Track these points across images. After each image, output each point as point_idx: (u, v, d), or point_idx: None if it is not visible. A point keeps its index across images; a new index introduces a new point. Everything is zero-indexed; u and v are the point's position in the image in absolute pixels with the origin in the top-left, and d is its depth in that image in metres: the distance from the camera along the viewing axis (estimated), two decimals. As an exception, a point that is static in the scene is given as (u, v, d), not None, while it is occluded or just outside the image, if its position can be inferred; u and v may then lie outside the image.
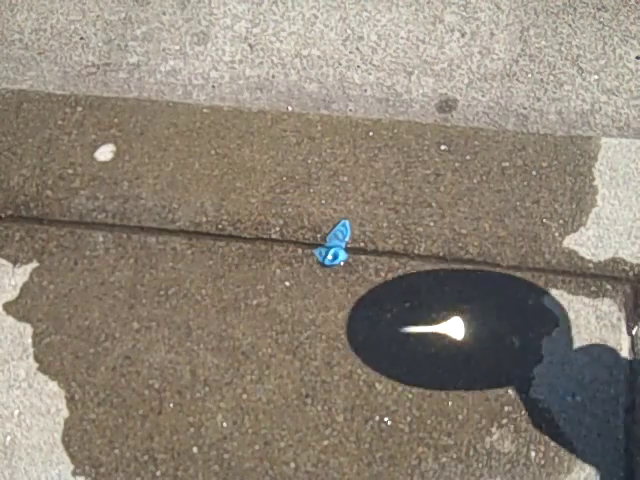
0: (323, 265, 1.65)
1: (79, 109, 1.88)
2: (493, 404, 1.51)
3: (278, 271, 1.65)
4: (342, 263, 1.64)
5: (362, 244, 1.66)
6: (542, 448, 1.48)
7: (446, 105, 1.99)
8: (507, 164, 1.75)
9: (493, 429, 1.50)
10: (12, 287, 1.66)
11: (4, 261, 1.69)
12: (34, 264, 1.68)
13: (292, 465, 1.49)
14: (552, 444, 1.48)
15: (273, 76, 2.07)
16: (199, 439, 1.52)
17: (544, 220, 1.67)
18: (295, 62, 2.08)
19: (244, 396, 1.55)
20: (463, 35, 2.09)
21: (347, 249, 1.65)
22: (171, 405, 1.54)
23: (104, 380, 1.57)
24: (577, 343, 1.55)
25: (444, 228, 1.67)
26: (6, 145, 1.83)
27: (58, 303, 1.64)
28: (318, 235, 1.67)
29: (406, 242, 1.66)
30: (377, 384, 1.54)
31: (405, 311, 1.60)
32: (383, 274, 1.63)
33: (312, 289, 1.63)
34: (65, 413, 1.55)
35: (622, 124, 1.93)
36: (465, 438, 1.49)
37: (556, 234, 1.66)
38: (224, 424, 1.52)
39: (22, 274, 1.68)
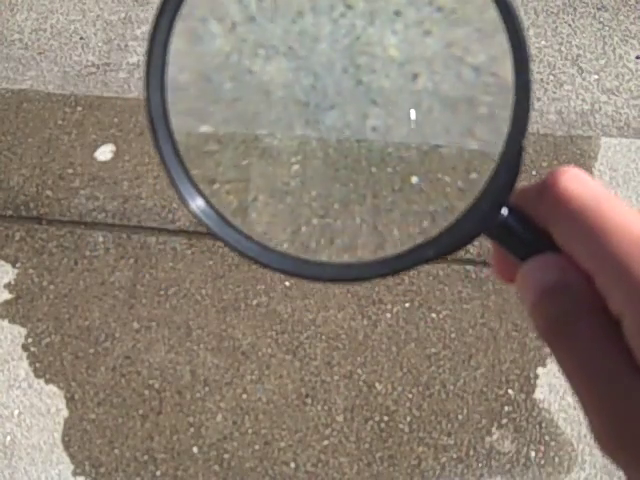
0: None
1: (79, 109, 1.88)
2: (493, 404, 1.51)
3: (278, 271, 1.65)
4: None
5: (362, 244, 1.66)
6: (542, 448, 1.48)
7: (446, 105, 1.99)
8: (507, 164, 1.75)
9: (493, 429, 1.50)
10: (12, 287, 1.66)
11: (4, 261, 1.69)
12: (34, 264, 1.68)
13: (292, 465, 1.49)
14: (552, 444, 1.48)
15: (273, 76, 2.07)
16: (199, 439, 1.52)
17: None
18: (295, 62, 2.08)
19: (244, 396, 1.55)
20: (463, 35, 2.09)
21: None
22: (171, 405, 1.54)
23: (104, 380, 1.57)
24: (577, 343, 1.55)
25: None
26: (6, 145, 1.83)
27: (58, 303, 1.64)
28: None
29: (406, 242, 1.66)
30: (377, 384, 1.54)
31: (405, 311, 1.60)
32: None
33: (312, 289, 1.63)
34: (65, 413, 1.55)
35: (622, 124, 1.93)
36: (465, 438, 1.49)
37: (556, 234, 1.66)
38: (224, 424, 1.52)
39: (22, 274, 1.68)
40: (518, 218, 0.31)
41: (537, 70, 2.03)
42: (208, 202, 0.34)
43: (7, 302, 1.65)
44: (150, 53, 0.32)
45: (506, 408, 1.51)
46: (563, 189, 0.29)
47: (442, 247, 0.31)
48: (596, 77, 2.01)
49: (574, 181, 0.29)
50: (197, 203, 0.33)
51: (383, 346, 1.58)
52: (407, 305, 1.60)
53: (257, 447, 1.51)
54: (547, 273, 0.29)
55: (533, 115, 1.97)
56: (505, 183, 0.31)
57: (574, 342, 0.27)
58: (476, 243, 1.67)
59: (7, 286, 1.66)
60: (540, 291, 0.29)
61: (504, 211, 0.31)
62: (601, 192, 0.29)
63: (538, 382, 1.53)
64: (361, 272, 0.32)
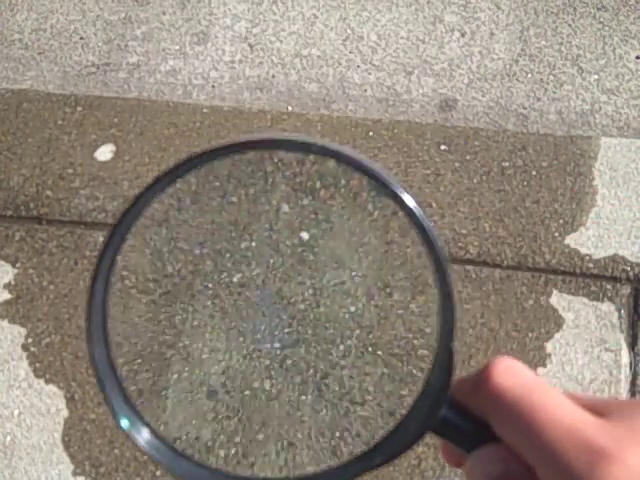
0: None
1: (79, 109, 1.88)
2: (493, 404, 1.51)
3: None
4: None
5: (362, 244, 1.66)
6: (542, 448, 1.48)
7: (446, 105, 1.99)
8: (507, 164, 1.75)
9: (493, 429, 1.50)
10: (12, 287, 1.66)
11: (4, 261, 1.69)
12: (34, 264, 1.68)
13: (292, 465, 1.49)
14: (552, 444, 1.48)
15: (273, 76, 2.07)
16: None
17: (544, 220, 1.67)
18: (295, 62, 2.08)
19: (244, 396, 1.55)
20: (463, 35, 2.09)
21: None
22: (171, 405, 1.54)
23: (104, 380, 1.57)
24: (577, 343, 1.56)
25: (444, 228, 1.67)
26: (6, 145, 1.83)
27: (58, 303, 1.64)
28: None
29: (406, 242, 1.66)
30: (377, 384, 1.54)
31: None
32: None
33: (312, 289, 1.63)
34: (65, 413, 1.55)
35: (622, 124, 1.93)
36: (465, 438, 1.49)
37: (556, 234, 1.66)
38: (224, 424, 1.52)
39: (22, 274, 1.68)
40: (458, 412, 0.31)
41: (537, 70, 2.03)
42: (155, 433, 0.33)
43: (7, 302, 1.65)
44: (89, 310, 0.34)
45: (506, 408, 1.51)
46: (496, 383, 0.30)
47: (387, 452, 0.32)
48: (596, 77, 2.01)
49: (506, 374, 0.30)
50: (144, 436, 0.33)
51: (383, 346, 1.57)
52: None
53: (257, 447, 1.51)
54: (490, 466, 0.29)
55: (533, 115, 1.97)
56: (441, 384, 0.31)
57: None
58: (475, 243, 1.67)
59: (7, 286, 1.66)
60: None
61: (444, 408, 0.31)
62: (533, 383, 0.29)
63: (538, 382, 1.53)
64: None
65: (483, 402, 0.30)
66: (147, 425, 0.33)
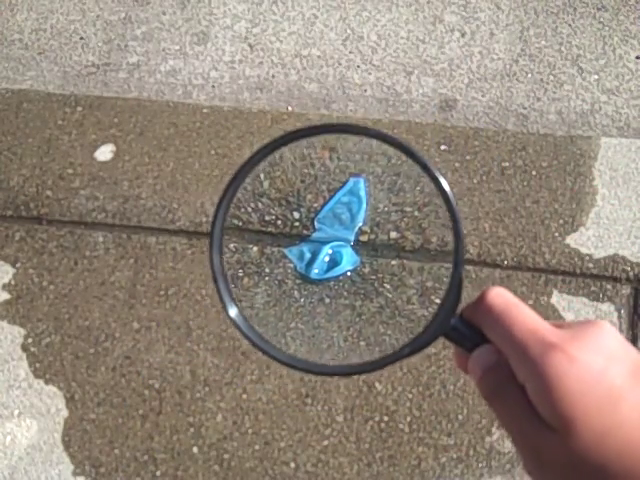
0: (307, 279, 1.41)
1: (79, 109, 1.88)
2: (493, 404, 1.51)
3: (278, 271, 1.65)
4: (349, 274, 1.39)
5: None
6: (542, 448, 1.48)
7: (446, 105, 1.99)
8: (507, 164, 1.75)
9: (493, 429, 1.50)
10: (12, 287, 1.66)
11: (4, 261, 1.69)
12: (34, 264, 1.68)
13: (292, 465, 1.49)
14: (552, 444, 1.48)
15: (273, 76, 2.07)
16: (199, 439, 1.52)
17: (544, 220, 1.67)
18: (295, 62, 2.08)
19: (244, 396, 1.55)
20: (463, 35, 2.09)
21: (359, 244, 1.37)
22: (171, 405, 1.54)
23: (104, 380, 1.57)
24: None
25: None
26: (6, 145, 1.83)
27: (58, 303, 1.64)
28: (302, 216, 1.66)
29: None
30: (377, 384, 1.54)
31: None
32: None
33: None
34: (65, 413, 1.55)
35: (622, 124, 1.93)
36: (465, 438, 1.49)
37: (556, 234, 1.66)
38: (224, 424, 1.52)
39: (22, 274, 1.68)
40: (464, 323, 0.45)
41: (537, 70, 2.03)
42: (247, 319, 0.48)
43: (7, 302, 1.65)
44: (214, 223, 0.47)
45: (506, 408, 1.51)
46: (488, 302, 0.44)
47: (414, 347, 0.46)
48: (596, 77, 2.01)
49: (496, 296, 0.44)
50: (241, 322, 0.48)
51: (383, 346, 1.58)
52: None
53: (257, 447, 1.51)
54: (486, 358, 0.44)
55: (533, 115, 1.97)
56: (452, 302, 0.46)
57: (505, 404, 0.42)
58: (475, 243, 1.67)
59: (7, 286, 1.67)
60: (482, 370, 0.44)
61: (454, 320, 0.45)
62: (513, 302, 0.43)
63: (538, 382, 1.53)
64: (360, 369, 0.48)
65: (480, 316, 0.44)
66: (242, 313, 0.48)
